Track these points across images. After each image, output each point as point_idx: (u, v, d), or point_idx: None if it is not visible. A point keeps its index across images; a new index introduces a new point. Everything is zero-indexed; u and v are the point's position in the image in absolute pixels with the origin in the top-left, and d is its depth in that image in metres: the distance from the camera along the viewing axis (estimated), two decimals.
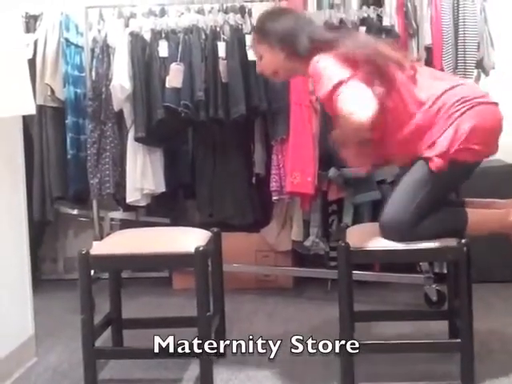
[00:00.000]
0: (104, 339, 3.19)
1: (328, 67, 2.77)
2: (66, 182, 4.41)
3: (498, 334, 3.33)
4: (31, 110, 3.10)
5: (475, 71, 4.41)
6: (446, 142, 2.74)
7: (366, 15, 3.99)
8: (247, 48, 3.92)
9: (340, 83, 2.71)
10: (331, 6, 4.17)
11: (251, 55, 3.91)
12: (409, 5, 4.13)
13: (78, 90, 4.35)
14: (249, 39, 3.94)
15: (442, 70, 4.22)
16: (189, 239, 2.92)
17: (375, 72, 2.76)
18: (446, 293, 3.70)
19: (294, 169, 3.95)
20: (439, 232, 2.81)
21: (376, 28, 3.98)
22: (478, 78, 4.56)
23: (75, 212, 4.66)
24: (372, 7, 4.07)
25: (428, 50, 4.15)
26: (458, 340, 2.82)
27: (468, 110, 2.76)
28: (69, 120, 4.31)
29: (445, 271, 4.01)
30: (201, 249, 2.83)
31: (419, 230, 2.78)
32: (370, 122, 2.64)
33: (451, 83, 2.87)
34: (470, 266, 2.78)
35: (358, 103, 2.68)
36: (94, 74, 4.22)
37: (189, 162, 4.43)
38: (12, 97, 2.92)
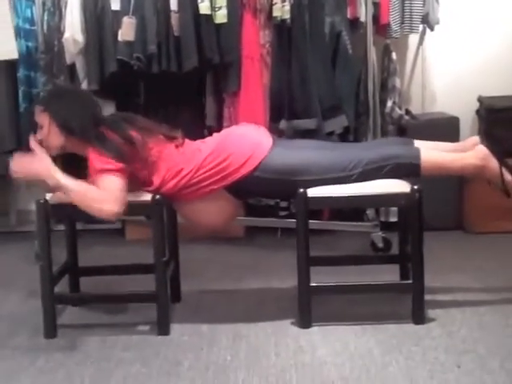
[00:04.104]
0: (60, 288, 3.20)
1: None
2: (19, 135, 4.42)
3: (441, 278, 3.45)
4: (14, 55, 3.02)
5: (421, 26, 4.52)
6: None
7: None
8: (199, 1, 3.95)
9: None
10: None
11: (203, 9, 3.95)
12: None
13: (30, 44, 4.30)
14: None
15: (388, 24, 4.33)
16: None
17: None
18: (391, 240, 3.88)
19: (246, 121, 4.02)
20: (395, 167, 2.95)
21: None
22: (423, 33, 4.68)
23: None
24: None
25: (375, 5, 4.21)
26: (410, 281, 2.99)
27: None
28: (20, 73, 4.28)
29: (390, 220, 4.19)
30: (157, 197, 2.94)
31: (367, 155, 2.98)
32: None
33: None
34: (422, 211, 2.93)
35: None
36: (45, 27, 4.19)
37: (140, 115, 4.45)
38: None
